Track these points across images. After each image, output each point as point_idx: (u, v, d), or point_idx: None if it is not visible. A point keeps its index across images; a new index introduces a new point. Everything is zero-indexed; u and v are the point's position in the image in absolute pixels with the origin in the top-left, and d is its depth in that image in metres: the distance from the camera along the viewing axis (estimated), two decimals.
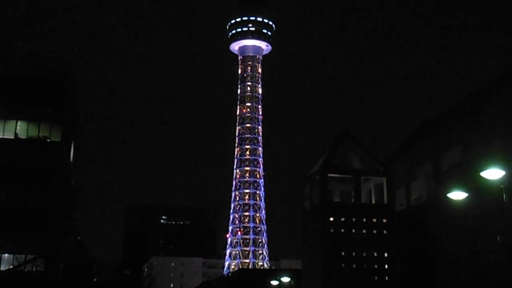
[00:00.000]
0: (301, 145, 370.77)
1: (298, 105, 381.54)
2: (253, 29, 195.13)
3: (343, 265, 70.65)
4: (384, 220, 72.89)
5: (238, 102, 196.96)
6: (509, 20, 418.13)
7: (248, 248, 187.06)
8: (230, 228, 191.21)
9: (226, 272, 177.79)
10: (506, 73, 59.17)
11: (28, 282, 52.04)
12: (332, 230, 71.92)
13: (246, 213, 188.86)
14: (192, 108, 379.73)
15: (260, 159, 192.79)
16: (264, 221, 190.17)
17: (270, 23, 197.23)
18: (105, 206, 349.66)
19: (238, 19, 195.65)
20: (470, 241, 55.77)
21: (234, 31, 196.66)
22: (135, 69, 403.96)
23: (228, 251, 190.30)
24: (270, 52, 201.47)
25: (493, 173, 25.38)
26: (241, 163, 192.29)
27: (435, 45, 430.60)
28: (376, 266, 71.35)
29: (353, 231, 72.07)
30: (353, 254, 71.19)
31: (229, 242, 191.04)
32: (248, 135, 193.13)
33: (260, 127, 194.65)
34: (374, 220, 72.63)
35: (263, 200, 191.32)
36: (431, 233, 64.49)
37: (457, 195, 28.67)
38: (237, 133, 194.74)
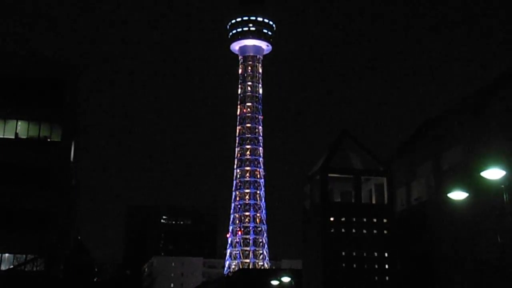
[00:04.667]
0: (301, 145, 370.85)
1: (298, 105, 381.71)
2: (253, 29, 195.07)
3: (343, 265, 70.57)
4: (384, 220, 72.74)
5: (239, 102, 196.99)
6: (511, 19, 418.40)
7: (248, 248, 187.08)
8: (231, 228, 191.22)
9: (227, 272, 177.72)
10: (507, 72, 59.08)
11: (28, 282, 52.08)
12: (332, 230, 71.79)
13: (247, 213, 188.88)
14: (192, 108, 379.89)
15: (261, 159, 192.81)
16: (264, 221, 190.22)
17: (271, 23, 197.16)
18: (105, 206, 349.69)
19: (239, 19, 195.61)
20: (470, 241, 55.76)
21: (234, 31, 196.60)
22: (135, 69, 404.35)
23: (228, 251, 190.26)
24: (270, 52, 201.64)
25: (493, 173, 25.33)
26: (242, 163, 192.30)
27: (435, 44, 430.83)
28: (376, 266, 71.19)
29: (353, 231, 71.91)
30: (353, 254, 71.04)
31: (229, 242, 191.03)
32: (249, 135, 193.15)
33: (260, 127, 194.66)
34: (375, 220, 72.47)
35: (263, 200, 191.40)
36: (431, 233, 64.42)
37: (458, 195, 28.60)
38: (237, 133, 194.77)
